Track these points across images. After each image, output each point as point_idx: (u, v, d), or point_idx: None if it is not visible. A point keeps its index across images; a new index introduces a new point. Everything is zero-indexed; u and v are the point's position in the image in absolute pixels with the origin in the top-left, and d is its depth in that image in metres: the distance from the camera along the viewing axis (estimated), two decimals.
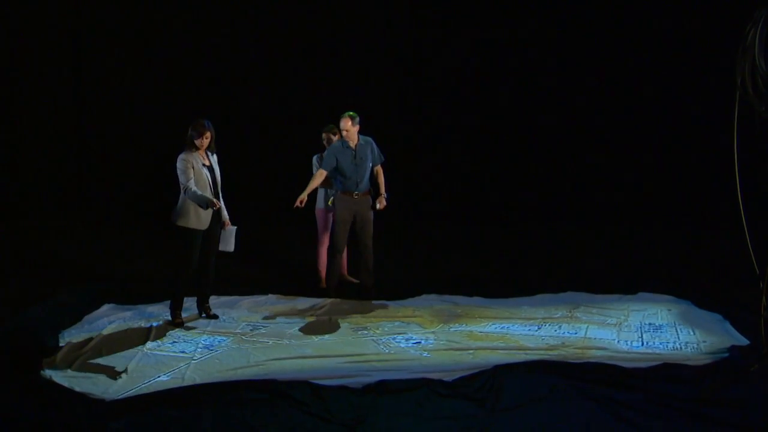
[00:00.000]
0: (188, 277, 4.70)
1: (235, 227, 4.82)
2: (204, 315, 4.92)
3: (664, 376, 3.72)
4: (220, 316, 4.91)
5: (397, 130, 8.15)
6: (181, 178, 4.58)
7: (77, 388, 3.65)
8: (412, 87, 8.12)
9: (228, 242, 4.80)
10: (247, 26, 7.98)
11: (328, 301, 5.28)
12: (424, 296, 5.42)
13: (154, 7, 7.90)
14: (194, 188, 4.55)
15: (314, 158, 5.64)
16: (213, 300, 5.06)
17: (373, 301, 5.31)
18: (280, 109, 8.05)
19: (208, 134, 4.65)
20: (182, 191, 4.59)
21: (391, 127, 8.10)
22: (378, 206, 5.38)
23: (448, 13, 7.98)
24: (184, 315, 4.80)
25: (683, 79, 7.63)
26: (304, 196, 5.20)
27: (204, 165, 4.68)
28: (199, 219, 4.61)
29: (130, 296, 5.28)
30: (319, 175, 5.30)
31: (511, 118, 8.08)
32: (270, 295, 5.43)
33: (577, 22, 7.81)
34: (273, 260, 6.70)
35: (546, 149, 8.08)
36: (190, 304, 4.96)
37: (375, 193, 5.42)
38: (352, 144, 5.29)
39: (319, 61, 8.01)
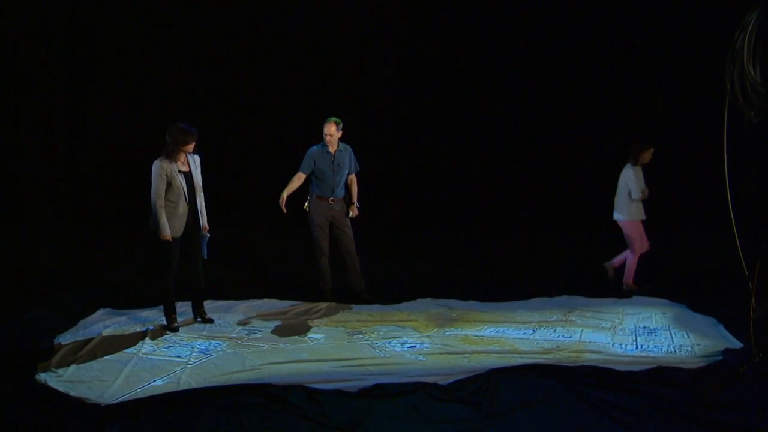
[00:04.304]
0: (172, 282, 4.68)
1: (208, 235, 4.79)
2: (199, 319, 4.92)
3: (658, 379, 3.74)
4: (215, 321, 4.90)
5: (392, 132, 8.18)
6: (152, 190, 4.53)
7: (72, 393, 3.64)
8: (410, 88, 8.15)
9: (200, 249, 4.79)
10: (240, 26, 8.01)
11: (324, 305, 5.28)
12: (419, 300, 5.43)
13: (152, 12, 7.92)
14: (158, 209, 4.49)
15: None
16: (208, 304, 5.06)
17: (368, 305, 5.32)
18: (277, 110, 8.07)
19: (195, 141, 4.61)
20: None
21: (385, 130, 8.14)
22: (350, 214, 5.40)
23: (443, 15, 8.03)
24: (179, 319, 4.80)
25: (673, 84, 7.69)
26: (283, 198, 5.19)
27: (180, 171, 4.60)
28: (172, 227, 4.58)
29: (124, 301, 5.27)
30: (297, 179, 5.30)
31: (505, 122, 8.12)
32: (265, 299, 5.43)
33: (568, 24, 7.86)
34: (271, 264, 6.70)
35: (541, 153, 8.12)
36: (185, 308, 4.96)
37: (348, 201, 5.45)
38: (332, 149, 5.30)
39: (315, 61, 8.04)
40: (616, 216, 5.73)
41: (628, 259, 5.70)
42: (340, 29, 8.02)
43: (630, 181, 5.59)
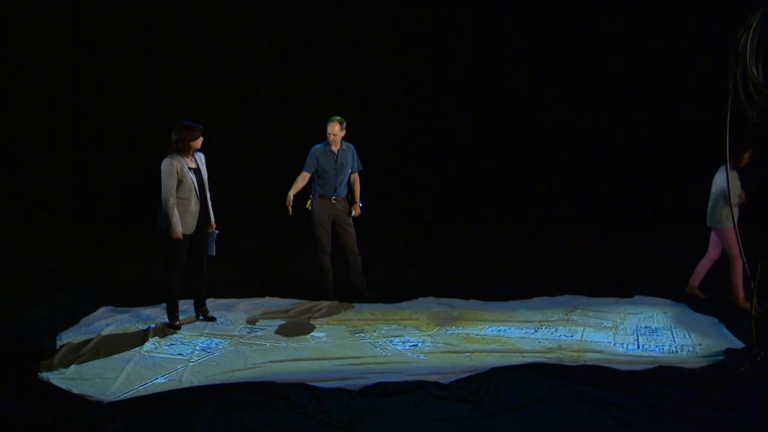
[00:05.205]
0: (178, 280, 4.69)
1: (216, 231, 4.81)
2: (201, 317, 4.93)
3: (659, 379, 3.75)
4: (217, 319, 4.91)
5: (393, 131, 8.19)
6: (163, 188, 4.52)
7: (75, 390, 3.65)
8: (409, 88, 8.15)
9: (209, 246, 4.80)
10: (242, 25, 8.01)
11: (326, 303, 5.29)
12: (421, 299, 5.43)
13: (153, 13, 7.93)
14: (170, 207, 4.48)
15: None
16: (210, 302, 5.07)
17: (370, 304, 5.32)
18: (279, 110, 8.08)
19: (201, 136, 4.63)
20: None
21: (386, 129, 8.15)
22: (353, 213, 5.41)
23: (443, 15, 8.03)
24: (181, 317, 4.80)
25: (677, 84, 7.69)
26: (290, 198, 5.21)
27: (190, 168, 4.61)
28: (184, 224, 4.59)
29: (126, 299, 5.28)
30: (302, 178, 5.31)
31: (507, 122, 8.12)
32: (267, 298, 5.43)
33: (570, 25, 7.86)
34: (273, 262, 6.71)
35: (542, 153, 8.12)
36: (187, 306, 4.97)
37: (350, 200, 5.45)
38: (335, 148, 5.31)
39: (316, 61, 8.04)
40: (712, 223, 5.23)
41: (733, 269, 5.09)
42: (343, 28, 8.02)
43: (732, 185, 4.94)
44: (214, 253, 4.84)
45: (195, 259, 4.78)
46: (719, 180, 5.17)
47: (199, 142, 4.64)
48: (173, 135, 4.57)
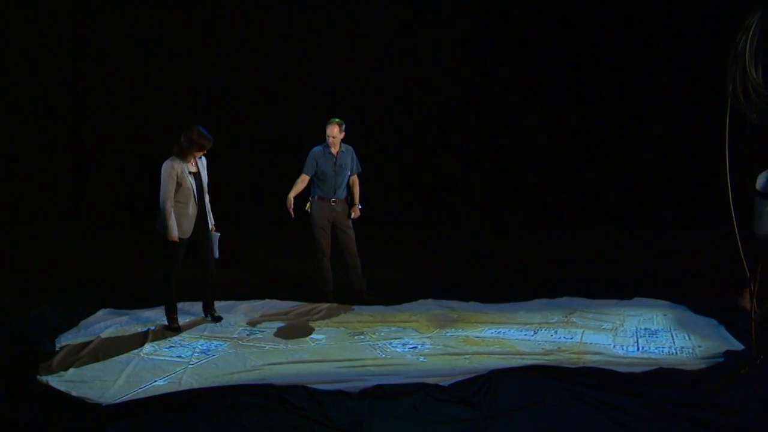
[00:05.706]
0: (175, 283, 4.69)
1: (218, 234, 4.82)
2: (209, 317, 4.93)
3: (659, 381, 3.75)
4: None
5: (393, 132, 8.19)
6: (161, 191, 4.52)
7: (74, 393, 3.66)
8: (409, 88, 8.15)
9: (211, 249, 4.81)
10: (242, 26, 8.02)
11: (325, 305, 5.29)
12: (420, 301, 5.43)
13: (153, 12, 7.94)
14: (167, 210, 4.48)
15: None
16: None
17: (370, 306, 5.32)
18: (279, 112, 8.08)
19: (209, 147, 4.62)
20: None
21: (386, 130, 8.14)
22: (352, 215, 5.42)
23: (441, 14, 8.03)
24: (184, 320, 4.81)
25: (676, 85, 7.69)
26: (290, 201, 5.20)
27: (190, 172, 4.61)
28: (181, 227, 4.59)
29: (126, 301, 5.28)
30: (301, 181, 5.31)
31: (505, 123, 8.12)
32: (267, 300, 5.44)
33: (568, 24, 7.86)
34: (272, 264, 6.71)
35: (541, 154, 8.12)
36: (188, 308, 4.98)
37: (350, 202, 5.45)
38: (334, 150, 5.32)
39: (316, 61, 8.04)
40: (761, 228, 4.72)
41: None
42: (343, 28, 8.02)
43: None
44: (218, 255, 4.84)
45: (202, 261, 4.79)
46: (762, 183, 4.79)
47: (202, 153, 4.65)
48: (183, 135, 4.56)
